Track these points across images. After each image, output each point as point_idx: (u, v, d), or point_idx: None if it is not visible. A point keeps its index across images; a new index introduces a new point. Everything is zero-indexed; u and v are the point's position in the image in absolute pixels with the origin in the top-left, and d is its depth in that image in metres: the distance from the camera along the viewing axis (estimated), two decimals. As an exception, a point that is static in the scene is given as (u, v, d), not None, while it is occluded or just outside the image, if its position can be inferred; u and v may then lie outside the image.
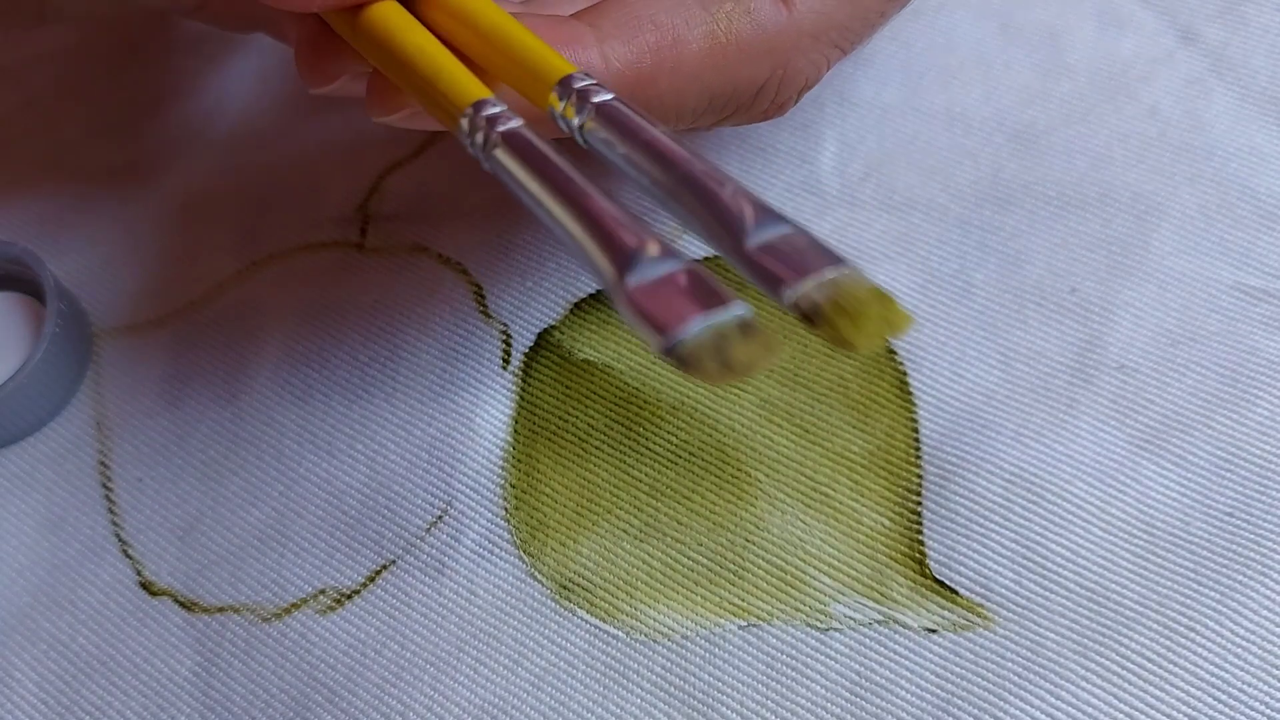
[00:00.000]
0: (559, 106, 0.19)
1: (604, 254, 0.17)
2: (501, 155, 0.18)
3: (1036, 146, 0.30)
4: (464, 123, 0.19)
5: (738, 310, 0.16)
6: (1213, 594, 0.24)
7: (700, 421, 0.28)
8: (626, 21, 0.22)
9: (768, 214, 0.17)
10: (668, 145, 0.18)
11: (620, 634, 0.25)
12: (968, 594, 0.25)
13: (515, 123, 0.19)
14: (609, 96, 0.19)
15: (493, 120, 0.19)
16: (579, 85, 0.19)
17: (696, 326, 0.16)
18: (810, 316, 0.16)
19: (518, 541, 0.27)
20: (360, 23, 0.21)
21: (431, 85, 0.20)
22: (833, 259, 0.17)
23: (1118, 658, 0.24)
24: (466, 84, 0.20)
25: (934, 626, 0.25)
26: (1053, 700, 0.23)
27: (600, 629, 0.26)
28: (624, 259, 0.16)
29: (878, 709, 0.24)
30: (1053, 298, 0.28)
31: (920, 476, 0.26)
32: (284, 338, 0.31)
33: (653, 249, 0.16)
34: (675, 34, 0.22)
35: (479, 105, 0.19)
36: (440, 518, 0.27)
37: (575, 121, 0.19)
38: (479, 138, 0.19)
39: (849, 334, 0.16)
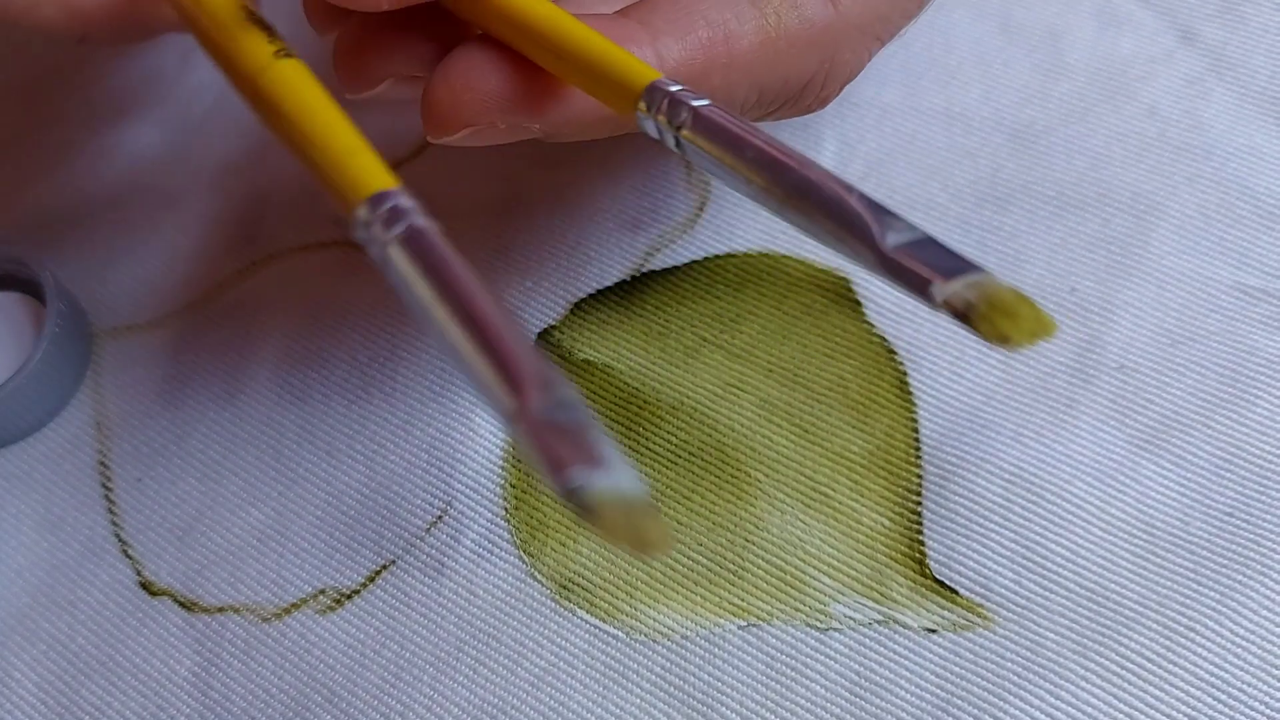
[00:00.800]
0: (647, 112, 0.19)
1: (502, 382, 0.15)
2: (396, 256, 0.17)
3: (1036, 146, 0.30)
4: (362, 212, 0.17)
5: (639, 486, 0.15)
6: (1212, 594, 0.24)
7: (700, 421, 0.28)
8: (679, 18, 0.22)
9: (894, 219, 0.17)
10: (777, 152, 0.18)
11: (620, 634, 0.26)
12: (967, 594, 0.25)
13: (420, 221, 0.17)
14: (704, 103, 0.19)
15: (393, 215, 0.17)
16: (671, 91, 0.19)
17: (603, 480, 0.14)
18: (965, 313, 0.17)
19: (517, 541, 0.27)
20: (261, 85, 0.20)
21: (332, 166, 0.18)
22: (970, 262, 0.17)
23: (1117, 657, 0.24)
24: (372, 170, 0.18)
25: (934, 626, 0.25)
26: (1052, 700, 0.23)
27: (600, 629, 0.26)
28: (524, 390, 0.15)
29: (877, 709, 0.24)
30: (1052, 297, 0.28)
31: (920, 476, 0.26)
32: (283, 338, 0.31)
33: (561, 391, 0.15)
34: (727, 30, 0.22)
35: (379, 198, 0.17)
36: (440, 518, 0.27)
37: (669, 129, 0.19)
38: (376, 229, 0.17)
39: (1009, 330, 0.17)
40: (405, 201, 0.17)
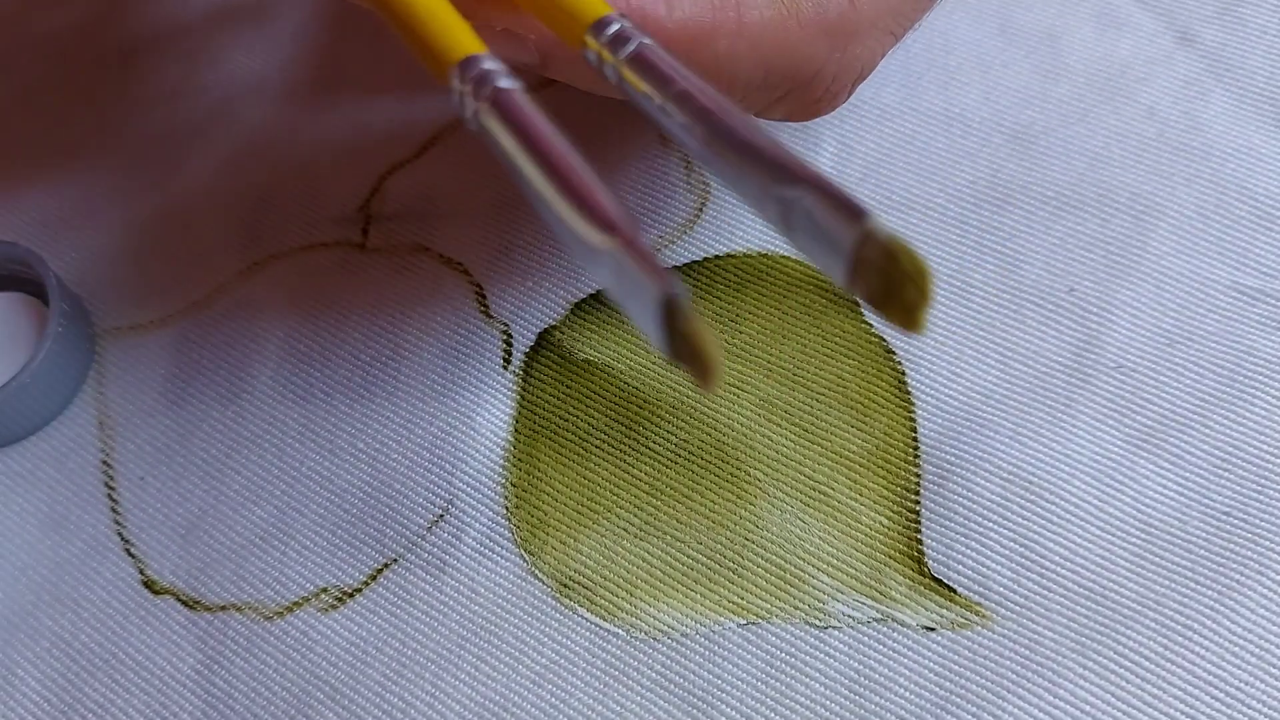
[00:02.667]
0: (594, 48, 0.19)
1: (594, 221, 0.16)
2: (487, 118, 0.17)
3: (1035, 147, 0.30)
4: (454, 79, 0.18)
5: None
6: (1210, 593, 0.24)
7: (700, 421, 0.28)
8: None
9: (809, 172, 0.16)
10: (704, 95, 0.17)
11: (620, 632, 0.26)
12: (966, 592, 0.25)
13: (508, 83, 0.18)
14: (645, 40, 0.18)
15: (482, 79, 0.18)
16: (614, 28, 0.19)
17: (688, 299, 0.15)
18: (891, 247, 0.15)
19: (518, 540, 0.27)
20: None
21: (421, 35, 0.19)
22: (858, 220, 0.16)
23: (1115, 656, 0.24)
24: (460, 37, 0.19)
25: (932, 625, 0.25)
26: (1050, 698, 0.24)
27: (600, 627, 0.26)
28: (616, 225, 0.16)
29: (876, 707, 0.24)
30: (1050, 298, 0.28)
31: (919, 475, 0.26)
32: (286, 337, 0.31)
33: (639, 239, 0.16)
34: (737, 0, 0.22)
35: (469, 62, 0.18)
36: (441, 516, 0.28)
37: (610, 65, 0.18)
38: (467, 97, 0.18)
39: (912, 272, 0.16)
40: (491, 64, 0.18)
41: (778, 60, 0.23)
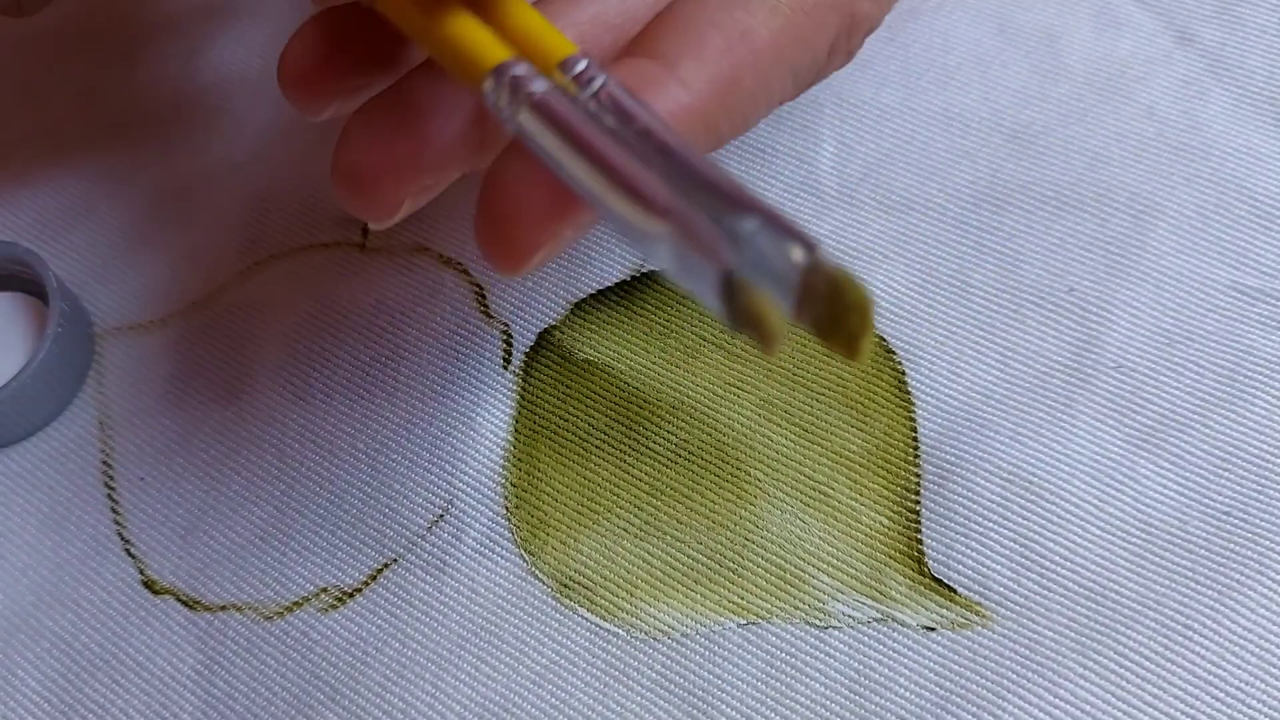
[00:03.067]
0: (566, 85, 0.19)
1: (643, 207, 0.16)
2: (527, 121, 0.18)
3: (1034, 147, 0.30)
4: (488, 86, 0.19)
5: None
6: (1210, 593, 0.24)
7: (700, 421, 0.28)
8: (690, 38, 0.20)
9: (762, 204, 0.17)
10: (663, 132, 0.18)
11: (620, 632, 0.26)
12: (966, 592, 0.25)
13: (541, 86, 0.18)
14: (603, 80, 0.19)
15: (516, 84, 0.18)
16: (576, 71, 0.19)
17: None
18: (836, 278, 0.16)
19: (518, 540, 0.27)
20: (378, 7, 0.21)
21: (451, 49, 0.19)
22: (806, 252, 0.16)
23: (1115, 656, 0.24)
24: (487, 45, 0.19)
25: (932, 625, 0.25)
26: (1050, 698, 0.24)
27: (600, 627, 0.26)
28: (666, 208, 0.16)
29: (876, 707, 0.24)
30: (1050, 297, 0.28)
31: (919, 475, 0.26)
32: (286, 337, 0.31)
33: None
34: (741, 28, 0.20)
35: (500, 69, 0.19)
36: (441, 516, 0.28)
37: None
38: (504, 100, 0.18)
39: (854, 302, 0.16)
40: (521, 69, 0.19)
41: (799, 58, 0.22)
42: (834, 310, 0.16)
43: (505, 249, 0.19)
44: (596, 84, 0.19)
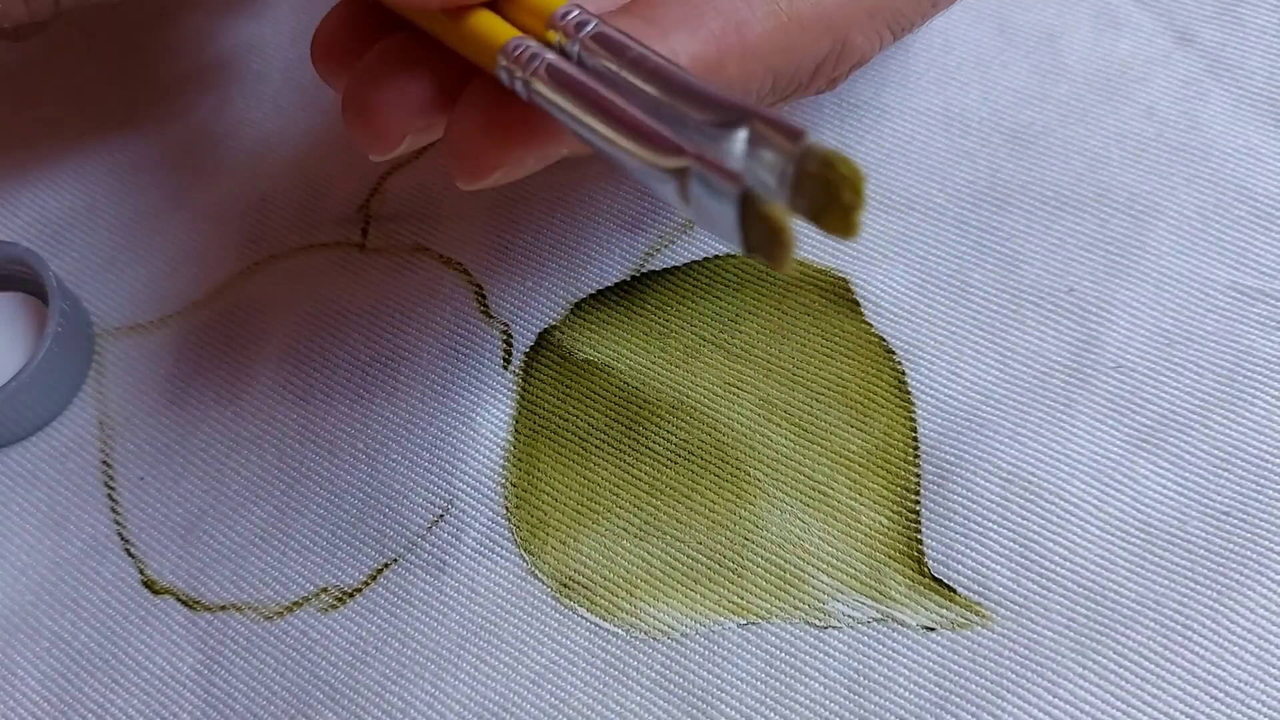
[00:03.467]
0: (556, 39, 0.20)
1: (660, 150, 0.17)
2: (541, 88, 0.19)
3: (1034, 147, 0.30)
4: (500, 61, 0.20)
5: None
6: (1209, 592, 0.24)
7: (700, 421, 0.28)
8: (688, 14, 0.21)
9: (755, 108, 0.18)
10: (653, 58, 0.19)
11: (620, 632, 0.26)
12: (965, 592, 0.25)
13: (551, 56, 0.19)
14: (594, 25, 0.20)
15: (526, 57, 0.20)
16: (569, 19, 0.20)
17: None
18: (828, 156, 0.17)
19: (518, 540, 0.27)
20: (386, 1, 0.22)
21: (463, 33, 0.21)
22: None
23: (1115, 655, 0.24)
24: (495, 25, 0.21)
25: (932, 624, 0.25)
26: (1050, 698, 0.24)
27: (600, 627, 0.26)
28: (680, 148, 0.17)
29: (876, 706, 0.24)
30: (1050, 298, 0.28)
31: (918, 475, 0.26)
32: (286, 337, 0.31)
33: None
34: (738, 18, 0.21)
35: (510, 46, 0.20)
36: (441, 516, 0.28)
37: (573, 50, 0.20)
38: (517, 75, 0.20)
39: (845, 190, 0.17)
40: (527, 44, 0.20)
41: (784, 65, 0.23)
42: (829, 188, 0.17)
43: (467, 165, 0.21)
44: (588, 29, 0.20)
